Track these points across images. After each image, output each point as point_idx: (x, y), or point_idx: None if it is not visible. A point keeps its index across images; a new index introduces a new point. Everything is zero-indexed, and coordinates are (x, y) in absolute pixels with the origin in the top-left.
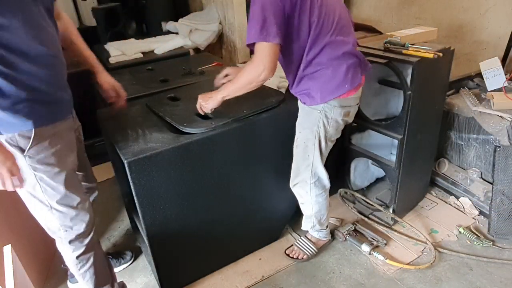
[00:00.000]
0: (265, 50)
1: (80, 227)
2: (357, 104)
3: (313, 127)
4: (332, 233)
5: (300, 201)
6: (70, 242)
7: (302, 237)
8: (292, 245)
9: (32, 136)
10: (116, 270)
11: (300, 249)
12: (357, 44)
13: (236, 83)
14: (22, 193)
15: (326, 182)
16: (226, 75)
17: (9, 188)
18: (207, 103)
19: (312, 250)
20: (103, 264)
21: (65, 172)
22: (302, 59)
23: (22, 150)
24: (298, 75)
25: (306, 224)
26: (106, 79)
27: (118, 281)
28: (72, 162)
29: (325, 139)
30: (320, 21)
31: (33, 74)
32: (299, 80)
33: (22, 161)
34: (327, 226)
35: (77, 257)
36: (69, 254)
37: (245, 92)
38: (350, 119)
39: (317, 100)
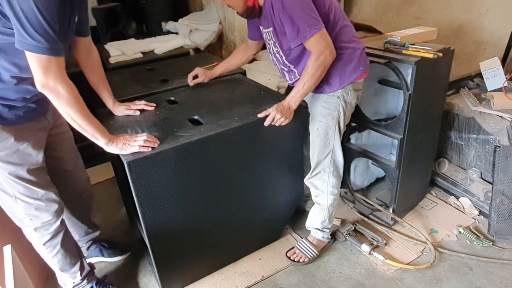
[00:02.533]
0: (323, 37)
1: (46, 217)
2: (361, 89)
3: (334, 113)
4: (333, 235)
5: (314, 193)
6: (35, 229)
7: (303, 240)
8: (293, 247)
9: None
10: (110, 260)
11: (301, 251)
12: None
13: (308, 81)
14: None
15: (341, 171)
16: (195, 77)
17: None
18: (286, 118)
19: (314, 253)
20: (71, 248)
21: (26, 168)
22: None
23: None
24: None
25: (317, 219)
26: (118, 114)
27: (104, 274)
28: (37, 160)
29: (343, 123)
30: (332, 7)
31: (8, 86)
32: None
33: None
34: (331, 227)
35: (44, 244)
36: (35, 240)
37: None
38: (358, 102)
39: (336, 86)
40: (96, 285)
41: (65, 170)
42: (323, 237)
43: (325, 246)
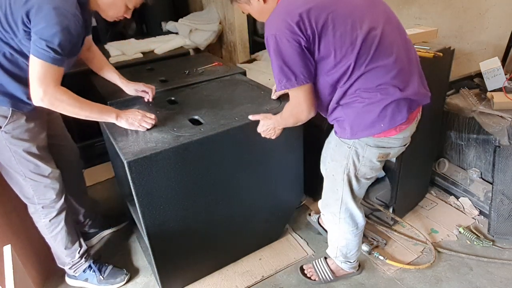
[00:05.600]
0: (300, 94)
1: (52, 194)
2: (405, 144)
3: (342, 161)
4: (360, 265)
5: (326, 226)
6: (43, 207)
7: (322, 259)
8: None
9: (9, 116)
10: (115, 228)
11: (315, 270)
12: (416, 60)
13: (282, 122)
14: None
15: (360, 220)
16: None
17: None
18: (273, 135)
19: (327, 276)
20: (72, 227)
21: (36, 145)
22: (335, 88)
23: None
24: (331, 105)
25: (331, 250)
26: (130, 91)
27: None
28: (43, 138)
29: (355, 177)
30: (351, 48)
31: None
32: (332, 109)
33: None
34: (355, 261)
35: (50, 220)
36: (42, 218)
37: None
38: (393, 157)
39: (347, 135)
40: (93, 263)
41: (58, 145)
42: (342, 262)
43: (345, 275)
